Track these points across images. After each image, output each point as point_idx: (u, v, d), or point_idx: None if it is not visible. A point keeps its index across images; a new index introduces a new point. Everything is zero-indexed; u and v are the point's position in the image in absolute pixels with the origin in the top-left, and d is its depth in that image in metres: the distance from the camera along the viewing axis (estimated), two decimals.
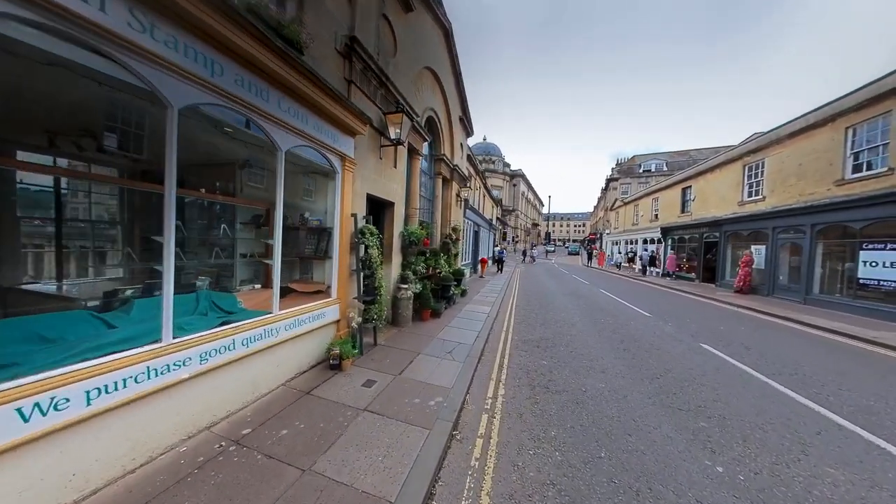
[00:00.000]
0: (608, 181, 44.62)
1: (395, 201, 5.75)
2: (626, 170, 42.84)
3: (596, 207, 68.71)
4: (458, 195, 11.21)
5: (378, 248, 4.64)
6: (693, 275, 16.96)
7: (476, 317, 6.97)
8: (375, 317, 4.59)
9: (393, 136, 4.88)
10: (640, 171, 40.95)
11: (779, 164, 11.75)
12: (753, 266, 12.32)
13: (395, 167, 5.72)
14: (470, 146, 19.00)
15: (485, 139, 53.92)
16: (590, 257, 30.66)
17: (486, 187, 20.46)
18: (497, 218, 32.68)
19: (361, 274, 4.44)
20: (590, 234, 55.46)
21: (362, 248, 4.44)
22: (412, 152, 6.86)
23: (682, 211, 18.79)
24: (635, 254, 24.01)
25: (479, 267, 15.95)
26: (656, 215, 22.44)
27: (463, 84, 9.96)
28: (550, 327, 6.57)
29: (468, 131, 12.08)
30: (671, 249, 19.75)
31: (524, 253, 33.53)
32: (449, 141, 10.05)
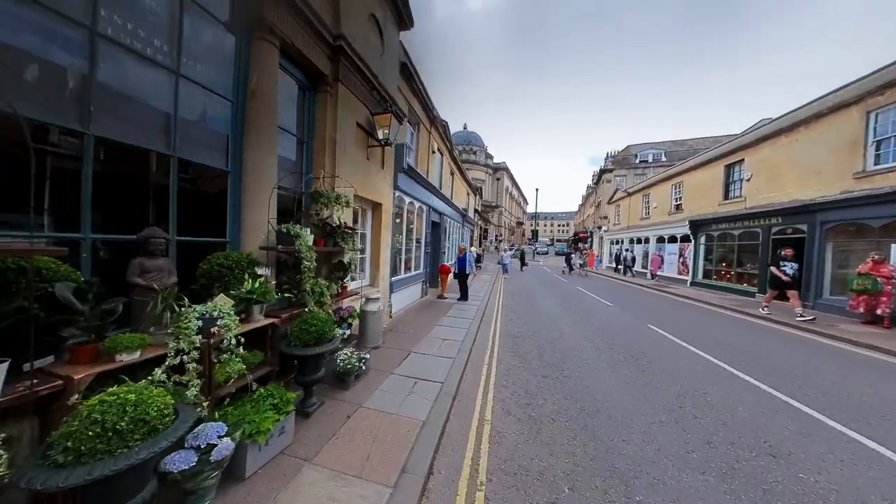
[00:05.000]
0: (601, 173, 39.92)
1: None
2: (620, 160, 38.41)
3: (582, 205, 64.57)
4: (365, 129, 5.08)
5: None
6: (749, 287, 11.66)
7: None
8: None
9: None
10: (637, 161, 36.61)
11: None
12: None
13: None
14: (451, 134, 12.81)
15: (465, 127, 48.36)
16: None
17: (454, 159, 14.41)
18: (476, 210, 26.84)
19: None
20: (580, 232, 50.91)
21: None
22: None
23: (726, 197, 13.53)
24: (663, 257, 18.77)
25: (440, 282, 9.83)
26: (678, 205, 17.25)
27: None
28: None
29: (399, 11, 5.97)
30: (702, 250, 14.54)
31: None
32: None
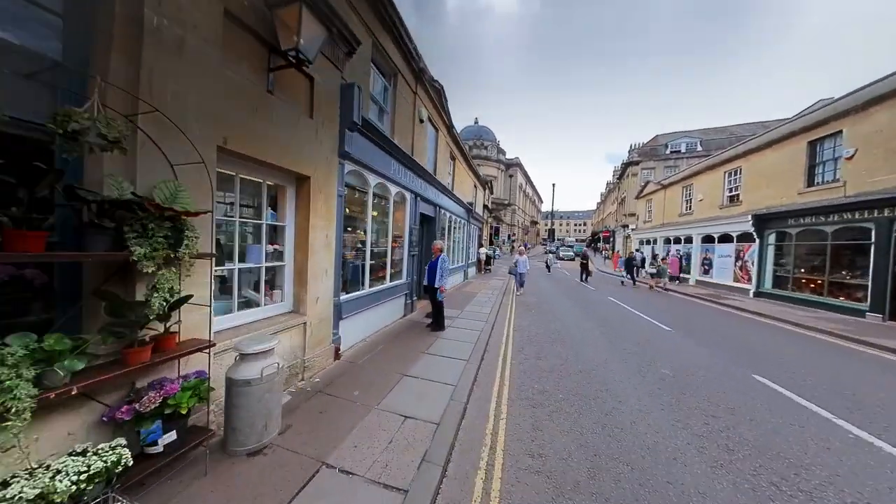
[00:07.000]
0: (625, 166, 36.34)
1: None
2: (647, 151, 34.89)
3: (602, 203, 60.42)
4: (255, 32, 2.72)
5: None
6: (851, 302, 8.59)
7: None
8: None
9: None
10: (668, 151, 32.96)
11: None
12: None
13: None
14: (457, 127, 10.25)
15: (476, 122, 45.73)
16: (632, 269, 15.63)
17: (455, 140, 11.90)
18: (486, 207, 24.18)
19: None
20: (602, 231, 47.25)
21: None
22: None
23: (811, 183, 10.41)
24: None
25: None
26: (733, 197, 14.10)
27: None
28: None
29: None
30: (771, 251, 11.43)
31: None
32: None
